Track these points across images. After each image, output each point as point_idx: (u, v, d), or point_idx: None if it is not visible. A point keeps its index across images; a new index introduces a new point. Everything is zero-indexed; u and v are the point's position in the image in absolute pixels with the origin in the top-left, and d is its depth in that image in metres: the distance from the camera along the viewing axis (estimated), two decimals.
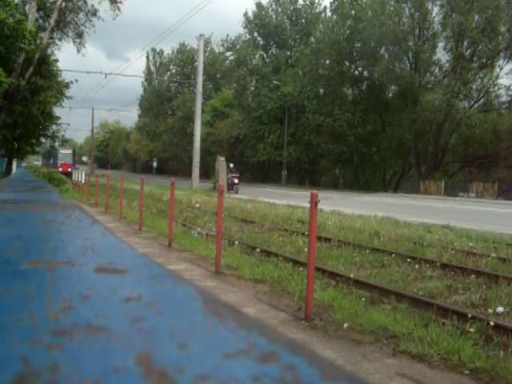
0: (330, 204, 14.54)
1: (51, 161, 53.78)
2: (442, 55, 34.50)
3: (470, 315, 4.08)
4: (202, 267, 6.03)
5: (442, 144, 35.47)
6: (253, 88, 47.21)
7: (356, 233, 9.45)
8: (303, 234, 8.76)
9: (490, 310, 4.47)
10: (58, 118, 32.35)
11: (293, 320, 4.02)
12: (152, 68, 70.96)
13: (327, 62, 39.75)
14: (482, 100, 34.96)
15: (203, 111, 39.28)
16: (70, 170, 38.71)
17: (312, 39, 44.22)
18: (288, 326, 3.83)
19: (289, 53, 47.77)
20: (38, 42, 24.30)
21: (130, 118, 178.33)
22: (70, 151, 47.90)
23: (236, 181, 25.37)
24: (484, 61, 32.74)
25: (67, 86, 29.34)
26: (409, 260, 6.75)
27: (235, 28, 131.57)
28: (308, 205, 4.17)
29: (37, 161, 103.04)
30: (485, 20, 31.03)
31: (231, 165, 26.05)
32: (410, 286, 5.48)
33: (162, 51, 69.70)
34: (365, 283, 5.34)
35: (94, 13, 27.75)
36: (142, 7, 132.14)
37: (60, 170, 41.75)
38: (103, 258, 6.29)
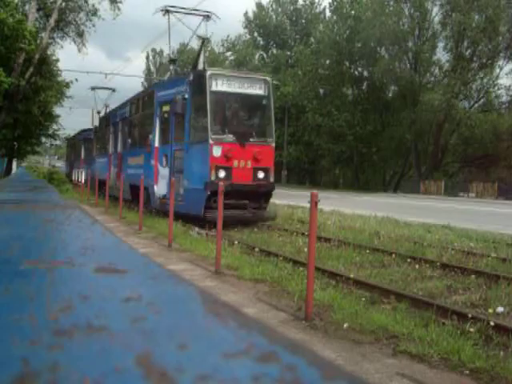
0: (329, 204, 14.52)
1: (163, 162, 11.40)
2: (441, 55, 34.60)
3: (470, 315, 4.08)
4: (202, 267, 6.03)
5: (441, 144, 35.48)
6: None
7: (356, 233, 9.45)
8: (303, 234, 8.75)
9: (490, 310, 4.47)
10: (58, 116, 32.44)
11: (293, 320, 4.01)
12: (152, 68, 71.08)
13: (327, 62, 39.77)
14: (482, 100, 34.98)
15: None
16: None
17: (312, 39, 44.25)
18: (288, 326, 3.82)
19: (289, 53, 47.82)
20: (38, 41, 24.30)
21: None
22: None
23: None
24: (484, 61, 32.75)
25: (67, 85, 29.41)
26: (409, 260, 6.74)
27: (235, 28, 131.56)
28: (308, 205, 4.17)
29: (39, 162, 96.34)
30: (485, 20, 31.05)
31: None
32: (410, 286, 5.47)
33: (162, 51, 69.84)
34: (365, 283, 5.33)
35: (95, 12, 27.75)
36: (142, 7, 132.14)
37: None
38: (103, 258, 6.28)
